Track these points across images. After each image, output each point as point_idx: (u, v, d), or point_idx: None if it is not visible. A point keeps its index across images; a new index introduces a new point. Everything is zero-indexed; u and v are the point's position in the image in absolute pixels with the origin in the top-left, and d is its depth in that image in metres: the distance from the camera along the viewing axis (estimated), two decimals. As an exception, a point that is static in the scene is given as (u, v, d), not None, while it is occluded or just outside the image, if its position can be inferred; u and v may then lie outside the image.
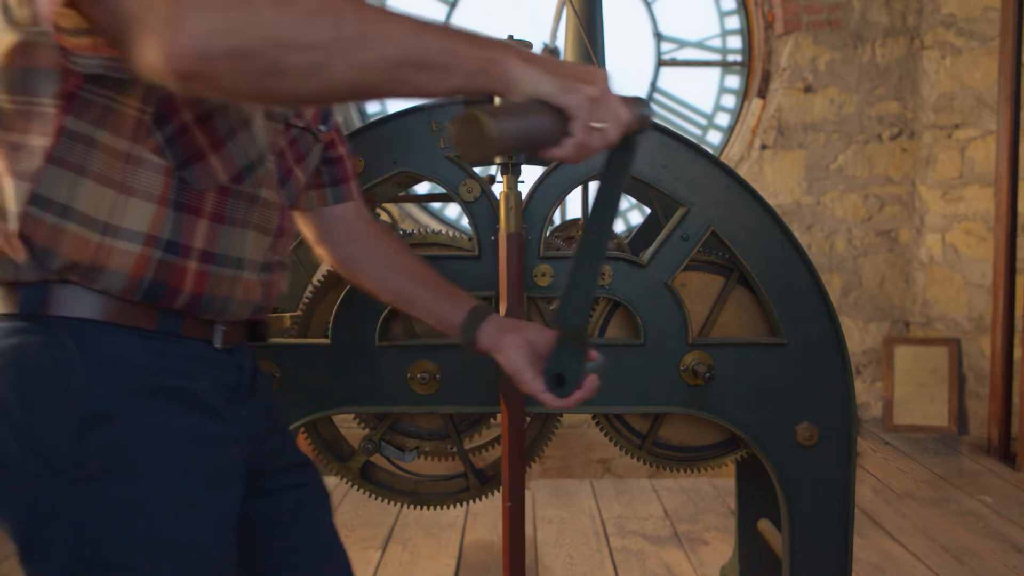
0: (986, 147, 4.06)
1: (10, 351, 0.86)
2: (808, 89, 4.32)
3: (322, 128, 1.16)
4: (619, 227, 4.47)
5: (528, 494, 3.33)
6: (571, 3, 2.13)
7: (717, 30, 4.53)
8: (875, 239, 4.38)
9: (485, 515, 3.07)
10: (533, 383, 1.09)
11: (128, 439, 0.86)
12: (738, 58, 4.52)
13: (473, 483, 1.64)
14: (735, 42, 4.53)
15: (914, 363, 4.26)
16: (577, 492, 3.40)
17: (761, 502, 1.71)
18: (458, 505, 1.64)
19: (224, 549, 0.93)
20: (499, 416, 1.51)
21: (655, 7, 4.50)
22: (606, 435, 1.54)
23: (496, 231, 1.42)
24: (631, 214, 4.53)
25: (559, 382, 1.08)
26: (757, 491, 1.71)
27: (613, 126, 0.86)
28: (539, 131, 0.81)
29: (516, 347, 1.13)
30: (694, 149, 1.44)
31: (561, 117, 0.82)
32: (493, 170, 1.56)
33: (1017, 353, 3.79)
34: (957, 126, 4.17)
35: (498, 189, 1.45)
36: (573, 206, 4.13)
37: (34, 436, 0.85)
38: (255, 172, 0.96)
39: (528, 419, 1.63)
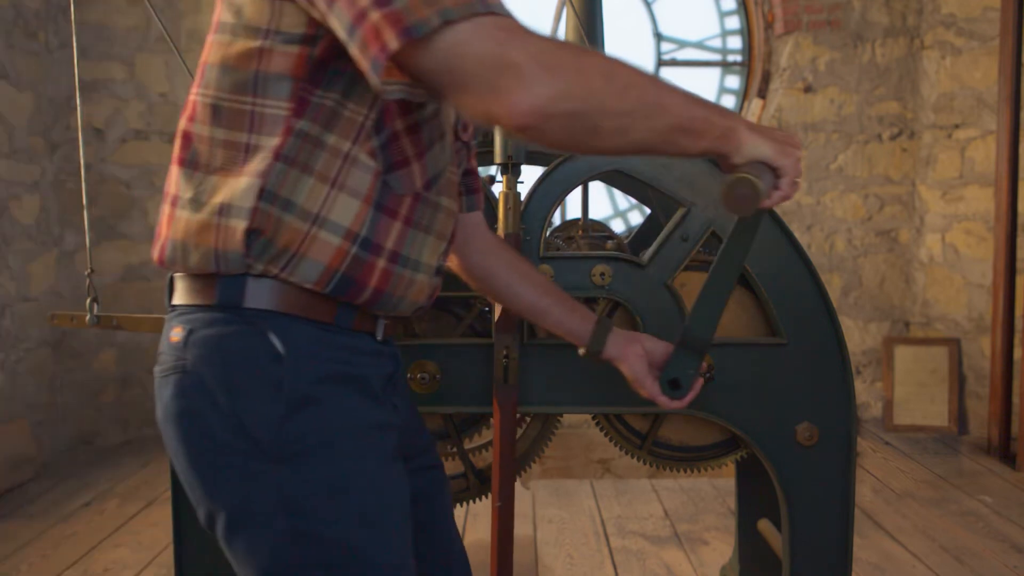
0: (986, 147, 4.06)
1: (213, 340, 0.95)
2: (808, 89, 4.32)
3: (474, 142, 1.25)
4: (619, 227, 4.47)
5: (528, 494, 3.33)
6: (571, 3, 2.13)
7: (717, 30, 4.53)
8: (875, 239, 4.38)
9: (485, 515, 3.07)
10: (652, 388, 1.23)
11: (326, 423, 0.96)
12: (738, 58, 4.52)
13: (473, 483, 1.64)
14: (735, 42, 4.53)
15: (914, 363, 4.26)
16: (577, 492, 3.40)
17: (761, 502, 1.71)
18: (458, 505, 1.63)
19: (407, 521, 1.04)
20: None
21: (655, 7, 4.50)
22: (606, 435, 1.54)
23: (495, 231, 1.41)
24: (631, 214, 4.53)
25: (675, 386, 1.23)
26: (757, 491, 1.71)
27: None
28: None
29: (637, 357, 1.26)
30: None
31: (773, 174, 1.00)
32: (493, 170, 1.56)
33: (1017, 353, 3.78)
34: (957, 126, 4.17)
35: (497, 189, 1.45)
36: (573, 206, 4.13)
37: (242, 420, 0.93)
38: (440, 181, 1.05)
39: (528, 420, 1.63)
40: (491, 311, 1.48)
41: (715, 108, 0.95)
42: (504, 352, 1.41)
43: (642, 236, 1.79)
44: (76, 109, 3.61)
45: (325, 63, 0.94)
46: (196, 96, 1.00)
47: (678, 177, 1.44)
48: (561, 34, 2.85)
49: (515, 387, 1.42)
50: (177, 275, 1.01)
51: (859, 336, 4.38)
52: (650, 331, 1.44)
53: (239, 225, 0.94)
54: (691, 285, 1.47)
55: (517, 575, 1.67)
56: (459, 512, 3.08)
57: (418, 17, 0.83)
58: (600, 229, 1.92)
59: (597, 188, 4.23)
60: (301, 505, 0.94)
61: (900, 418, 4.25)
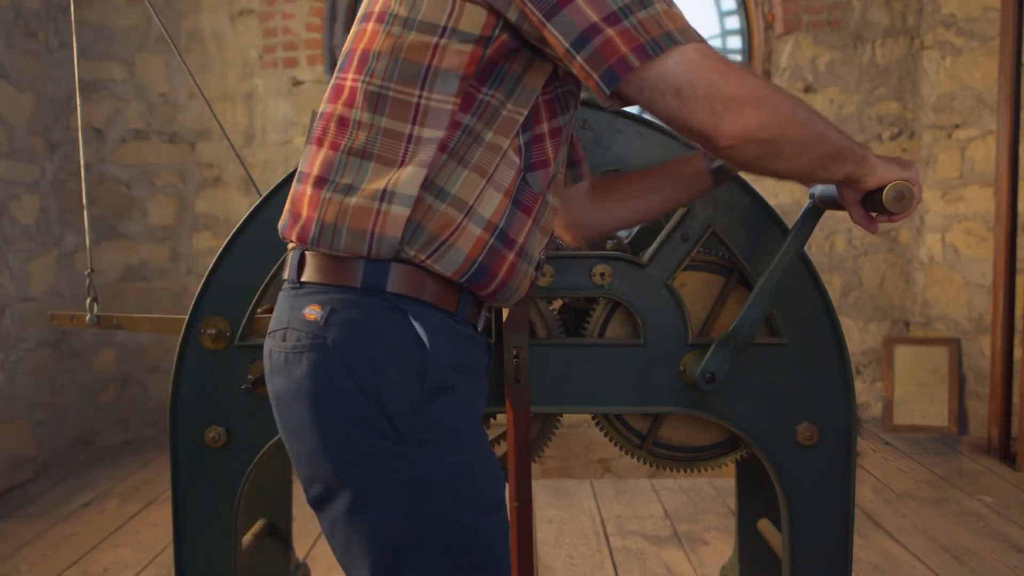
0: (986, 147, 4.06)
1: (361, 321, 0.99)
2: (808, 89, 4.32)
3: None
4: (619, 227, 4.47)
5: (528, 494, 3.33)
6: (571, 3, 2.13)
7: (717, 30, 4.53)
8: (875, 239, 4.37)
9: (485, 515, 3.07)
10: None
11: (457, 410, 1.02)
12: (738, 58, 4.52)
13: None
14: (735, 42, 4.53)
15: (914, 363, 4.26)
16: (577, 492, 3.40)
17: (761, 502, 1.71)
18: (458, 505, 1.63)
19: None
20: (499, 416, 1.51)
21: (655, 7, 4.50)
22: (606, 435, 1.54)
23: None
24: (631, 214, 4.53)
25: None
26: (757, 491, 1.71)
27: None
28: None
29: None
30: (694, 149, 1.43)
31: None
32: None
33: (1017, 353, 3.78)
34: (957, 126, 4.17)
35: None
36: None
37: (384, 401, 0.97)
38: (556, 180, 1.12)
39: (528, 419, 1.63)
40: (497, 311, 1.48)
41: (853, 141, 1.08)
42: (515, 352, 1.41)
43: (642, 236, 1.79)
44: (76, 109, 3.61)
45: (495, 63, 1.00)
46: (354, 83, 1.04)
47: (678, 177, 1.44)
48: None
49: (527, 387, 1.42)
50: (311, 253, 1.04)
51: (859, 336, 4.38)
52: (650, 331, 1.44)
53: (402, 212, 0.98)
54: (691, 285, 1.47)
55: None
56: (459, 512, 3.08)
57: (651, 37, 0.93)
58: (600, 229, 1.92)
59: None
60: (430, 488, 0.98)
61: (900, 418, 4.25)
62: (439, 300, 1.03)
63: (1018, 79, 3.70)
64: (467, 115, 1.00)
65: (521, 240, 1.06)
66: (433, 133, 1.00)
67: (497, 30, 0.99)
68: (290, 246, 1.10)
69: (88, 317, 1.63)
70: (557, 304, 1.57)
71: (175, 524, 1.50)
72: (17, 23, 3.72)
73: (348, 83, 1.05)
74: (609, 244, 1.59)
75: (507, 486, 1.47)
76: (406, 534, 0.99)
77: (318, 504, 1.03)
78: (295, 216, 1.06)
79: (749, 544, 1.76)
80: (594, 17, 0.93)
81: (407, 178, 0.99)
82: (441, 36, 0.99)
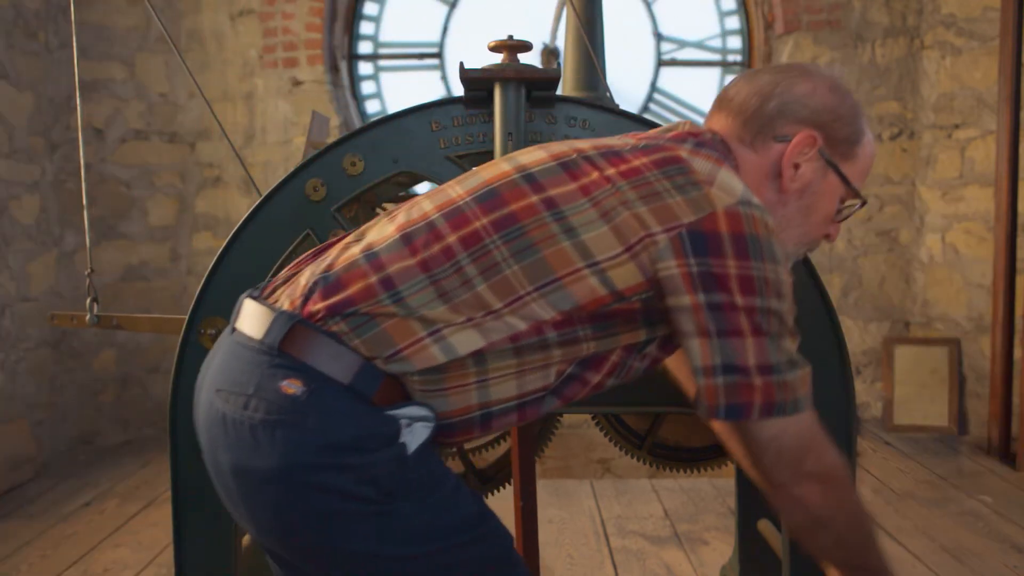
0: (986, 147, 4.06)
1: (342, 410, 0.98)
2: (808, 89, 4.32)
3: None
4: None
5: (528, 494, 3.33)
6: (571, 3, 2.13)
7: (717, 30, 4.53)
8: (875, 239, 4.37)
9: (485, 515, 3.07)
10: None
11: (430, 461, 1.03)
12: (738, 58, 4.52)
13: (473, 483, 1.64)
14: (735, 42, 4.53)
15: (914, 363, 4.26)
16: (577, 492, 3.40)
17: (761, 502, 1.70)
18: (458, 505, 1.63)
19: None
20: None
21: (655, 7, 4.50)
22: (606, 435, 1.54)
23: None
24: (631, 214, 4.53)
25: None
26: (757, 491, 1.71)
27: None
28: None
29: None
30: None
31: None
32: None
33: (1017, 353, 3.78)
34: (957, 126, 4.17)
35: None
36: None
37: (370, 473, 0.97)
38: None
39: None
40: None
41: (890, 572, 1.12)
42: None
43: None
44: (76, 109, 3.61)
45: (611, 316, 1.01)
46: (483, 231, 1.01)
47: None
48: (561, 34, 2.82)
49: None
50: (311, 329, 0.99)
51: (859, 336, 4.38)
52: (650, 331, 1.44)
53: (438, 357, 0.98)
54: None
55: None
56: (459, 512, 3.08)
57: (784, 399, 0.99)
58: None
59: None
60: (427, 529, 1.00)
61: (900, 418, 4.25)
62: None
63: (1018, 79, 3.70)
64: (555, 333, 1.00)
65: (498, 420, 1.07)
66: (516, 322, 0.99)
67: (637, 297, 1.00)
68: (282, 305, 1.04)
69: (88, 317, 1.63)
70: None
71: (175, 524, 1.50)
72: (17, 23, 3.72)
73: (477, 225, 1.01)
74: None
75: (512, 486, 1.46)
76: (413, 572, 1.01)
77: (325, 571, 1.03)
78: (341, 285, 1.01)
79: (749, 544, 1.76)
80: (752, 361, 0.98)
81: (466, 337, 0.98)
82: (589, 267, 0.98)
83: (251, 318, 1.04)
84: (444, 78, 4.53)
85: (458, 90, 1.66)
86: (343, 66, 4.46)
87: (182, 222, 4.39)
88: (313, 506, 0.97)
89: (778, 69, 1.17)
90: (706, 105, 4.57)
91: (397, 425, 0.99)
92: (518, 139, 1.43)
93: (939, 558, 2.70)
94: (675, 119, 4.55)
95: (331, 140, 1.49)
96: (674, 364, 1.40)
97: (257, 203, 1.48)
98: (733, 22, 4.52)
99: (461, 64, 1.43)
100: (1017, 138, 3.71)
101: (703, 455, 1.55)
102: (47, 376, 3.89)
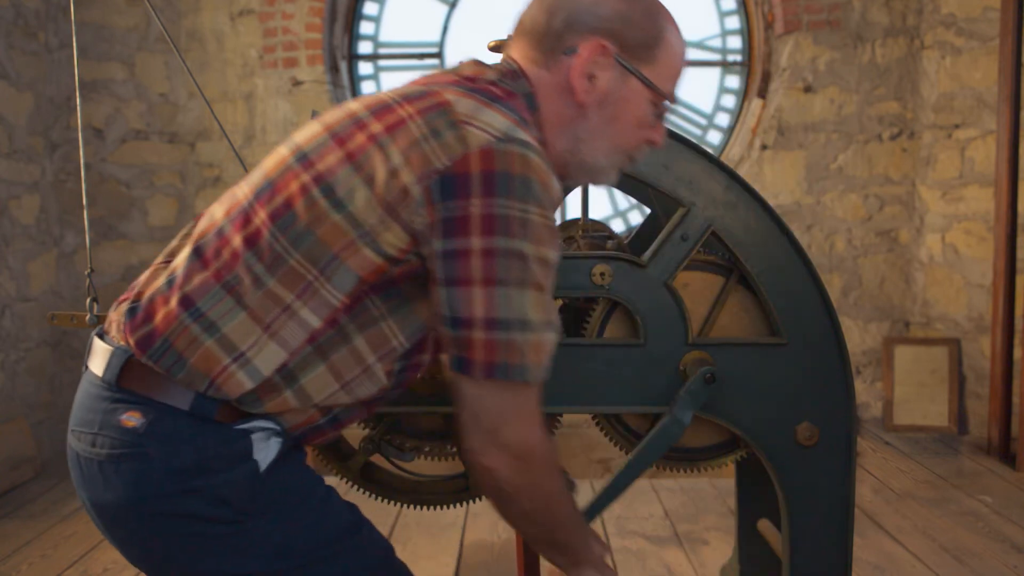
0: (986, 147, 4.06)
1: (183, 432, 0.99)
2: (808, 89, 4.32)
3: None
4: (619, 227, 4.47)
5: (528, 494, 3.33)
6: (571, 3, 2.13)
7: (717, 30, 4.53)
8: (875, 239, 4.37)
9: (485, 515, 3.07)
10: None
11: (291, 474, 1.05)
12: (738, 58, 4.52)
13: (473, 483, 1.64)
14: (735, 42, 4.53)
15: (914, 363, 4.26)
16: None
17: (761, 502, 1.70)
18: (458, 505, 1.63)
19: None
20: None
21: (655, 7, 4.50)
22: (606, 435, 1.54)
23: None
24: (631, 214, 4.53)
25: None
26: (757, 491, 1.71)
27: None
28: None
29: None
30: (694, 149, 1.44)
31: None
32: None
33: (1017, 353, 3.78)
34: (957, 126, 4.17)
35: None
36: (573, 206, 4.13)
37: (220, 493, 0.99)
38: None
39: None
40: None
41: (589, 544, 1.17)
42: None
43: (642, 236, 1.78)
44: (76, 109, 3.61)
45: (395, 282, 1.00)
46: (263, 226, 1.00)
47: (678, 177, 1.44)
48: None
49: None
50: (141, 363, 1.00)
51: (859, 336, 4.38)
52: (650, 331, 1.44)
53: (246, 383, 0.98)
54: (692, 285, 1.47)
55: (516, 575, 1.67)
56: (459, 512, 3.08)
57: (508, 360, 0.95)
58: (600, 229, 1.92)
59: (597, 188, 4.23)
60: (290, 545, 1.02)
61: (900, 418, 4.25)
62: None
63: (1018, 79, 3.70)
64: (347, 316, 0.99)
65: (347, 417, 1.09)
66: (309, 317, 0.98)
67: (411, 256, 0.98)
68: (111, 335, 1.05)
69: (88, 317, 1.63)
70: (557, 304, 1.57)
71: (175, 524, 1.49)
72: (17, 23, 3.72)
73: (257, 222, 1.00)
74: (609, 244, 1.59)
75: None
76: None
77: None
78: (146, 317, 1.01)
79: (749, 544, 1.76)
80: (478, 313, 0.95)
81: (266, 356, 0.98)
82: (360, 237, 0.97)
83: (95, 355, 1.06)
84: (444, 78, 4.52)
85: (458, 90, 1.65)
86: (343, 66, 4.46)
87: (182, 222, 4.39)
88: (169, 533, 0.99)
89: None
90: (706, 105, 4.57)
91: (248, 441, 0.99)
92: (518, 139, 1.43)
93: (939, 558, 2.70)
94: (675, 119, 4.56)
95: (331, 140, 1.49)
96: None
97: (257, 203, 1.47)
98: (733, 22, 4.52)
99: (461, 64, 1.42)
100: (1017, 138, 3.71)
101: (703, 455, 1.55)
102: (47, 376, 3.88)
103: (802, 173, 4.35)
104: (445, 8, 4.47)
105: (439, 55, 4.50)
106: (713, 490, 3.39)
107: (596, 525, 3.02)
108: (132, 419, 0.98)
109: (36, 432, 3.72)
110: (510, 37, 1.16)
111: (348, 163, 0.98)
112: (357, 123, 1.01)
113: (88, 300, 1.64)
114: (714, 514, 3.12)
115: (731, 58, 4.54)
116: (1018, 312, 3.79)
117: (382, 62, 4.56)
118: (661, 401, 1.45)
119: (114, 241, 4.24)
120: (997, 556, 2.72)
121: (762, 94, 4.41)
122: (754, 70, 4.47)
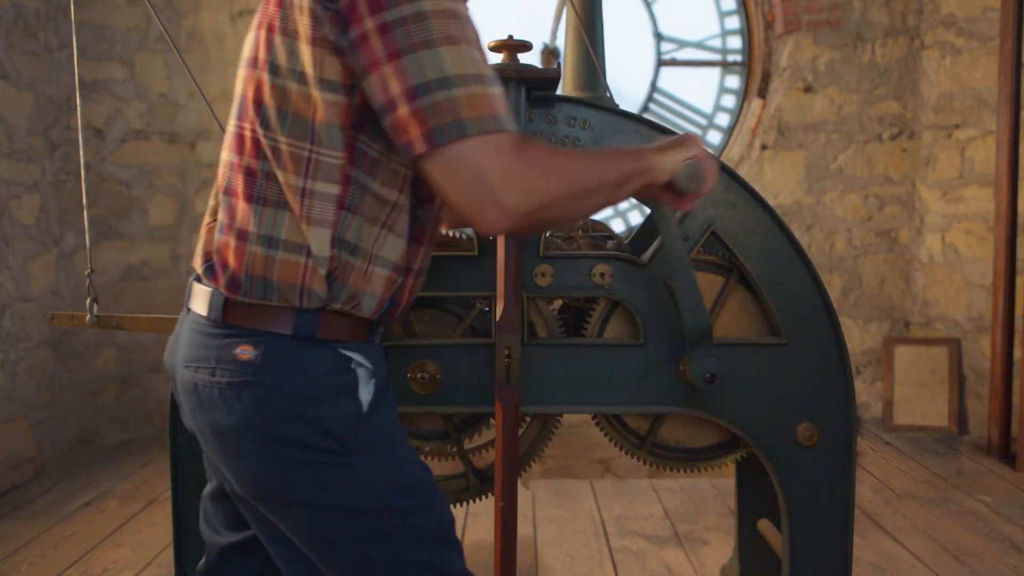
0: (986, 147, 4.06)
1: (294, 360, 1.06)
2: (808, 89, 4.32)
3: None
4: (619, 227, 4.47)
5: (528, 494, 3.33)
6: (571, 3, 2.13)
7: (717, 30, 4.53)
8: (875, 239, 4.37)
9: (485, 515, 3.07)
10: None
11: (388, 416, 1.13)
12: (738, 58, 4.52)
13: (473, 483, 1.64)
14: (735, 42, 4.53)
15: (914, 363, 4.26)
16: (577, 492, 3.40)
17: (761, 502, 1.71)
18: (458, 505, 1.63)
19: None
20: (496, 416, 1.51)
21: (655, 7, 4.50)
22: (606, 435, 1.54)
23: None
24: (631, 214, 4.53)
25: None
26: (757, 491, 1.71)
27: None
28: None
29: None
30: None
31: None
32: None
33: (1017, 353, 3.78)
34: (957, 126, 4.17)
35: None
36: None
37: (327, 423, 1.05)
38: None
39: (528, 420, 1.63)
40: (491, 311, 1.48)
41: (632, 156, 1.12)
42: (506, 352, 1.41)
43: (642, 236, 1.79)
44: (76, 109, 3.61)
45: (366, 110, 1.01)
46: (253, 134, 1.06)
47: (678, 177, 1.44)
48: (561, 34, 2.82)
49: (517, 387, 1.42)
50: (238, 299, 1.08)
51: (859, 336, 4.38)
52: (650, 331, 1.44)
53: (321, 270, 1.04)
54: (691, 285, 1.47)
55: (517, 575, 1.67)
56: (459, 512, 3.08)
57: (440, 123, 0.93)
58: (600, 229, 1.92)
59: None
60: (375, 485, 1.08)
61: (900, 418, 4.25)
62: (357, 335, 1.11)
63: (1018, 79, 3.70)
64: (354, 168, 1.03)
65: (417, 265, 1.14)
66: (326, 187, 1.03)
67: (356, 78, 0.99)
68: (201, 283, 1.13)
69: (88, 317, 1.63)
70: (557, 304, 1.57)
71: (175, 524, 1.50)
72: (17, 23, 3.72)
73: (248, 133, 1.07)
74: (609, 244, 1.59)
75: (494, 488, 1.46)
76: (362, 528, 1.08)
77: (259, 523, 1.12)
78: (222, 265, 1.09)
79: (749, 544, 1.76)
80: (396, 89, 0.94)
81: (317, 239, 1.04)
82: (316, 88, 1.00)
83: (196, 297, 1.13)
84: (444, 78, 4.52)
85: (458, 90, 1.65)
86: (343, 66, 4.46)
87: (182, 222, 4.39)
88: (279, 456, 1.05)
89: None
90: (706, 105, 4.57)
91: (354, 376, 1.08)
92: (518, 139, 1.43)
93: (939, 558, 2.70)
94: (675, 119, 4.57)
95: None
96: None
97: (257, 203, 1.47)
98: (733, 22, 4.52)
99: (461, 64, 1.42)
100: (1017, 138, 3.71)
101: (703, 455, 1.55)
102: (47, 376, 3.88)
103: (802, 173, 4.35)
104: (445, 8, 4.46)
105: (439, 55, 4.49)
106: (713, 490, 3.39)
107: (596, 525, 3.03)
108: (246, 352, 1.05)
109: (36, 432, 3.72)
110: None
111: (272, 34, 1.04)
112: (264, 3, 1.08)
113: (88, 300, 1.64)
114: (714, 514, 3.12)
115: (731, 58, 4.54)
116: (1018, 312, 3.79)
117: (382, 62, 4.55)
118: (661, 401, 1.45)
119: (114, 241, 4.24)
120: (997, 556, 2.72)
121: (762, 94, 4.41)
122: (754, 70, 4.47)
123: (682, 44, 4.54)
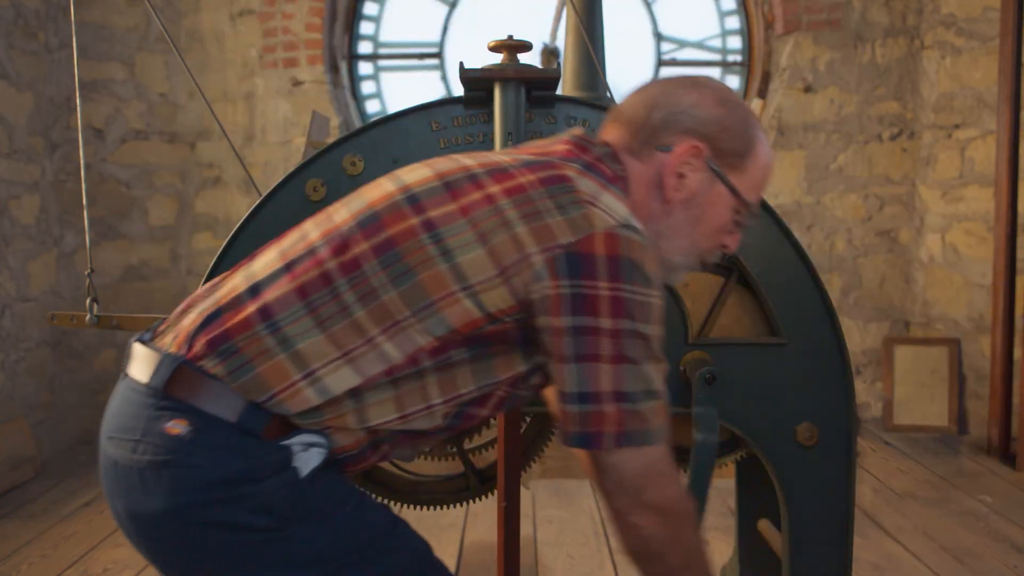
0: (986, 147, 4.06)
1: (229, 446, 0.98)
2: (808, 89, 4.32)
3: None
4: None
5: (528, 494, 3.33)
6: (571, 3, 2.13)
7: (717, 30, 4.53)
8: (875, 239, 4.37)
9: (485, 515, 3.07)
10: None
11: (333, 483, 1.05)
12: (738, 58, 4.52)
13: (473, 483, 1.64)
14: (735, 42, 4.53)
15: (914, 363, 4.26)
16: (577, 492, 3.40)
17: (761, 502, 1.71)
18: (458, 505, 1.64)
19: None
20: (498, 416, 1.51)
21: (655, 7, 4.50)
22: (606, 435, 1.54)
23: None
24: (631, 214, 4.53)
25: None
26: (757, 491, 1.71)
27: None
28: None
29: None
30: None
31: None
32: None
33: (1017, 353, 3.78)
34: (957, 126, 4.17)
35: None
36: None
37: (261, 501, 0.98)
38: None
39: (527, 420, 1.63)
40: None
41: None
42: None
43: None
44: (76, 109, 3.61)
45: (486, 338, 1.00)
46: (361, 258, 1.00)
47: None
48: (561, 34, 2.82)
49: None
50: (192, 369, 0.99)
51: (859, 336, 4.38)
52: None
53: (313, 399, 0.98)
54: (692, 285, 1.47)
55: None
56: (459, 512, 3.08)
57: (635, 429, 0.98)
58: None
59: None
60: (332, 547, 1.02)
61: (900, 418, 4.25)
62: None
63: (1018, 79, 3.70)
64: (430, 360, 1.00)
65: (391, 447, 1.09)
66: (392, 352, 0.99)
67: (509, 319, 0.99)
68: (167, 346, 1.03)
69: (88, 317, 1.63)
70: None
71: (175, 524, 1.49)
72: (17, 23, 3.72)
73: (356, 251, 1.01)
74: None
75: (496, 488, 1.46)
76: None
77: None
78: (221, 321, 1.01)
79: (749, 544, 1.76)
80: (607, 387, 0.97)
81: (340, 377, 0.98)
82: (463, 289, 0.98)
83: (138, 362, 1.05)
84: (444, 78, 4.53)
85: (458, 90, 1.66)
86: (343, 66, 4.46)
87: (182, 222, 4.39)
88: (208, 542, 0.98)
89: (668, 80, 1.17)
90: (706, 105, 4.56)
91: (288, 452, 0.99)
92: (518, 139, 1.44)
93: (939, 558, 2.70)
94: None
95: (331, 140, 1.49)
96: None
97: (257, 203, 1.48)
98: (733, 22, 4.52)
99: (461, 64, 1.43)
100: (1017, 138, 3.71)
101: (703, 455, 1.55)
102: (47, 376, 3.89)
103: (802, 173, 4.35)
104: (445, 8, 4.47)
105: (439, 55, 4.50)
106: (713, 490, 3.38)
107: (596, 525, 3.03)
108: (177, 427, 0.97)
109: (36, 432, 3.72)
110: (607, 121, 1.19)
111: (462, 216, 1.00)
112: (472, 179, 1.03)
113: (88, 300, 1.64)
114: (714, 514, 3.12)
115: (731, 58, 4.54)
116: (1018, 312, 3.79)
117: (382, 62, 4.56)
118: (661, 401, 1.45)
119: (114, 241, 4.24)
120: (997, 556, 2.72)
121: (762, 94, 4.41)
122: (754, 70, 4.47)
123: (682, 44, 4.54)
